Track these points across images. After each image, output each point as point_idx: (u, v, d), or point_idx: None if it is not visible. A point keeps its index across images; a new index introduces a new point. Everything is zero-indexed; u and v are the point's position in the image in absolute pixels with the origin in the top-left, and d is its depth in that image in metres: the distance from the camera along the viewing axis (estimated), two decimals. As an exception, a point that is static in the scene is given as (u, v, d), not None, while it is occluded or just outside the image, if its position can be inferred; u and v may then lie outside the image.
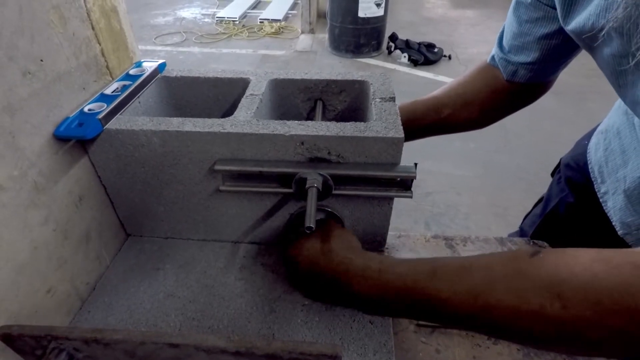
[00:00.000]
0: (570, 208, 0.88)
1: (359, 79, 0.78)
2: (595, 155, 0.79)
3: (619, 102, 0.74)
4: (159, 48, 4.86)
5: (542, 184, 2.63)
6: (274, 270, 0.73)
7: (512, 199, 2.34)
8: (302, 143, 0.61)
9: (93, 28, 0.65)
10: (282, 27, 5.44)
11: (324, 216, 0.70)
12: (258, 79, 0.77)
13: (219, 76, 0.78)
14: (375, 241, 0.76)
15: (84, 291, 0.67)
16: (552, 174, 1.01)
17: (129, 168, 0.66)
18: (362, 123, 0.62)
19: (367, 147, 0.60)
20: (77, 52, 0.62)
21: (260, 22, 5.61)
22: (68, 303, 0.63)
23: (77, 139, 0.60)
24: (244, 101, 0.69)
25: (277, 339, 0.59)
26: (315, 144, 0.60)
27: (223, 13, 5.83)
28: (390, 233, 0.89)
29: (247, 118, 0.64)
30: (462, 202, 2.30)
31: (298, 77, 0.78)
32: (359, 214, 0.71)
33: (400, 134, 0.59)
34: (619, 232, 0.71)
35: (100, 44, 0.67)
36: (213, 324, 0.63)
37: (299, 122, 0.62)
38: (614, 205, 0.71)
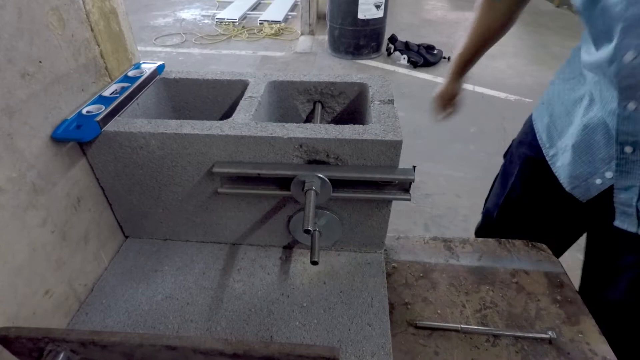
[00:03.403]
0: (525, 181, 0.98)
1: (358, 81, 0.78)
2: (541, 124, 0.89)
3: (557, 73, 0.85)
4: (159, 49, 4.86)
5: (541, 186, 2.59)
6: (273, 272, 0.73)
7: (511, 201, 2.36)
8: (301, 145, 0.61)
9: (92, 30, 0.65)
10: (281, 29, 5.44)
11: (326, 219, 0.70)
12: (257, 80, 0.78)
13: (217, 78, 0.78)
14: (373, 243, 0.76)
15: (82, 293, 0.67)
16: (504, 156, 1.10)
17: (127, 170, 0.66)
18: (360, 126, 0.62)
19: (365, 150, 0.60)
20: (76, 54, 0.62)
21: (260, 23, 5.62)
22: (66, 305, 0.63)
23: (75, 141, 0.60)
24: (242, 103, 0.70)
25: (275, 342, 0.59)
26: (314, 146, 0.61)
27: (223, 14, 5.84)
28: (389, 235, 0.89)
29: (246, 120, 0.64)
30: (462, 204, 2.31)
31: (297, 79, 0.79)
32: (358, 217, 0.71)
33: (399, 136, 0.59)
34: (567, 188, 0.80)
35: (99, 46, 0.67)
36: (211, 326, 0.63)
37: (298, 124, 0.63)
38: (562, 163, 0.80)
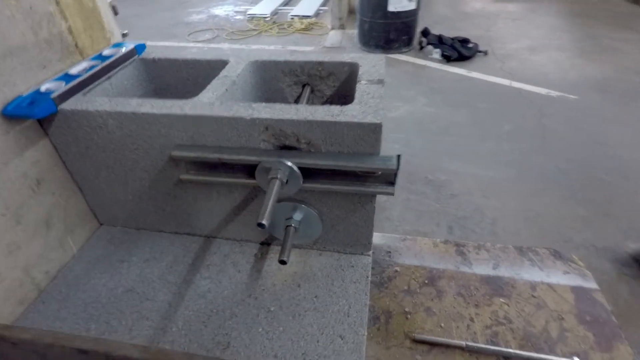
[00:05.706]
0: None
1: (349, 60, 0.69)
2: None
3: None
4: (191, 44, 4.97)
5: (583, 189, 2.35)
6: (244, 270, 0.66)
7: (547, 204, 2.14)
8: (267, 128, 0.53)
9: (58, 3, 0.61)
10: (312, 24, 5.38)
11: (302, 213, 0.63)
12: (237, 60, 0.71)
13: (196, 58, 0.72)
14: (359, 243, 0.67)
15: (42, 280, 0.64)
16: None
17: (89, 152, 0.62)
18: (337, 106, 0.54)
19: (340, 134, 0.52)
20: (36, 28, 0.58)
21: (290, 18, 5.59)
22: (21, 292, 0.60)
23: (26, 118, 0.56)
24: (213, 82, 0.63)
25: (198, 354, 0.51)
26: (281, 129, 0.53)
27: (254, 10, 5.87)
28: (394, 235, 0.80)
29: (211, 100, 0.58)
30: (489, 206, 2.14)
31: (281, 58, 0.71)
32: (339, 212, 0.62)
33: (379, 118, 0.50)
34: None
35: (66, 21, 0.63)
36: (167, 325, 0.57)
37: (266, 104, 0.55)
38: None
